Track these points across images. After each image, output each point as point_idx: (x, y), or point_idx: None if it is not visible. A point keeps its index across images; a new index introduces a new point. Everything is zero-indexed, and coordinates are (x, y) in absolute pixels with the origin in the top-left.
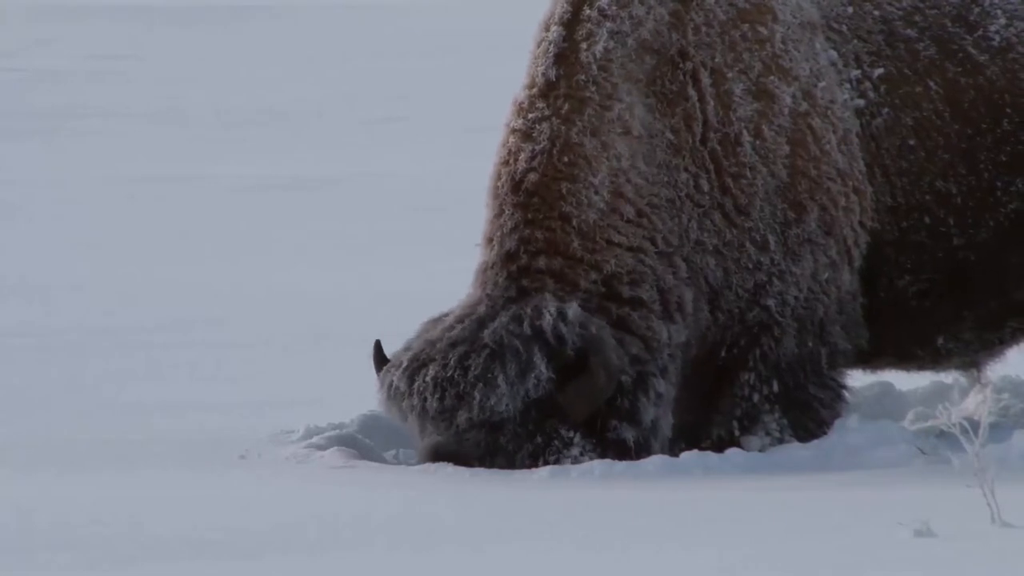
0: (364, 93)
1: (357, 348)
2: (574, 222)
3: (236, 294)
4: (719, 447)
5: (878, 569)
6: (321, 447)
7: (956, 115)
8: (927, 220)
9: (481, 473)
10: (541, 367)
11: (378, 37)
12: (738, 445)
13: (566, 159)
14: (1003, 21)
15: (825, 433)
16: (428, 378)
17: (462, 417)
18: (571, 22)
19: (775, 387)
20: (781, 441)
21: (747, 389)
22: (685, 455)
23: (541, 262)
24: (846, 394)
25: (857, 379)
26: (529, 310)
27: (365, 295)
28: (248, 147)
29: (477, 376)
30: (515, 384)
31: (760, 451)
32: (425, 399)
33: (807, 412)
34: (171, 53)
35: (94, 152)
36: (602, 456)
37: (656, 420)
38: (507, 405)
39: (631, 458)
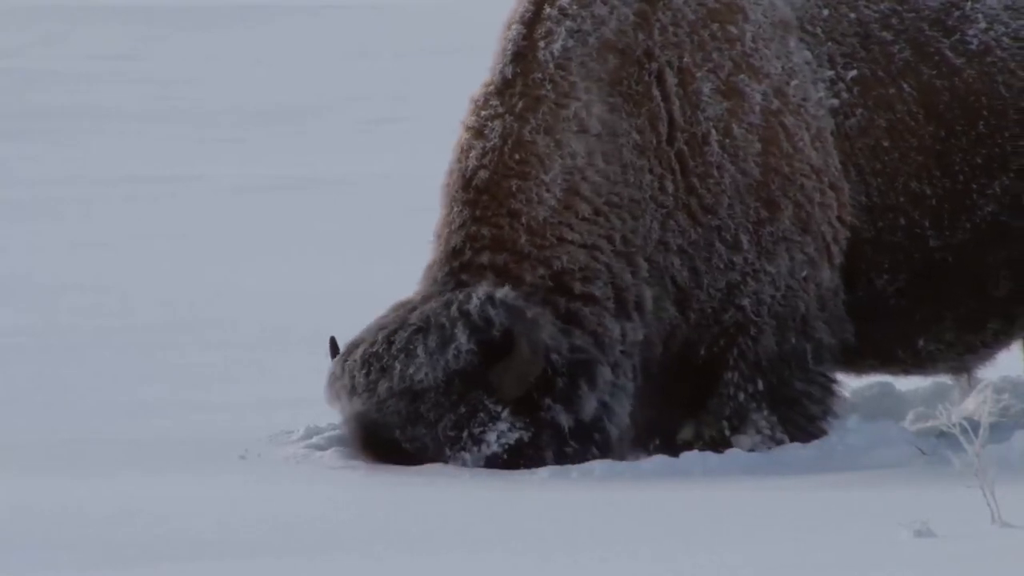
0: (364, 93)
1: None
2: (523, 219)
3: (236, 294)
4: (712, 447)
5: (878, 569)
6: (321, 447)
7: (930, 117)
8: (902, 221)
9: (481, 473)
10: (462, 339)
11: (378, 37)
12: (730, 445)
13: (517, 156)
14: (983, 25)
15: (817, 428)
16: (356, 357)
17: (383, 387)
18: (532, 20)
19: (759, 385)
20: (773, 438)
21: (732, 388)
22: (685, 455)
23: (484, 258)
24: (836, 388)
25: (857, 379)
26: (460, 296)
27: (365, 295)
28: (248, 147)
29: (399, 349)
30: (434, 354)
31: (752, 449)
32: (353, 376)
33: (795, 407)
34: (171, 53)
35: (94, 152)
36: (535, 435)
37: (604, 412)
38: (426, 374)
39: (588, 445)
